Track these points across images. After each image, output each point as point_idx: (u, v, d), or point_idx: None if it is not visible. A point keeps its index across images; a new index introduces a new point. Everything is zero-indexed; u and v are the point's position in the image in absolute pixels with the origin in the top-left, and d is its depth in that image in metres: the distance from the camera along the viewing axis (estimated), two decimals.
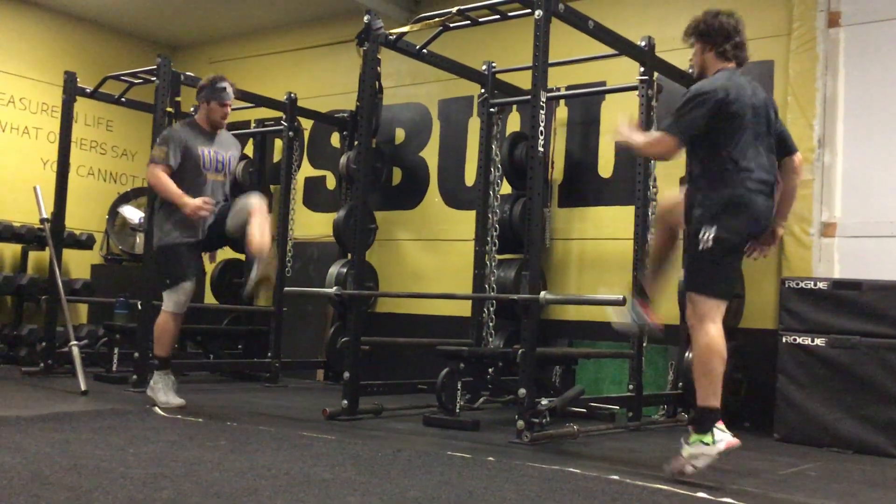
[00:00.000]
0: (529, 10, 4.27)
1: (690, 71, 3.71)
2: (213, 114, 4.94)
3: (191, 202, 4.64)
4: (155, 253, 5.02)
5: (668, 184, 5.40)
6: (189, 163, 4.83)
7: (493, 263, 5.99)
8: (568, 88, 6.18)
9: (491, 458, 3.47)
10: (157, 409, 4.55)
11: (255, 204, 4.58)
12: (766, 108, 3.48)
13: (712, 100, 3.33)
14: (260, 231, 4.51)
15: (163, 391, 4.75)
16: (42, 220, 6.19)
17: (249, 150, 7.74)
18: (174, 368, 4.93)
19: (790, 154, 3.60)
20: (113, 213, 8.04)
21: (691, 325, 3.39)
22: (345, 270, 6.43)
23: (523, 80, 5.56)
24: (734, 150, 3.34)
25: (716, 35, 3.50)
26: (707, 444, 3.17)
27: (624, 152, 3.02)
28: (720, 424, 3.20)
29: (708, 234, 3.30)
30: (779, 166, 3.54)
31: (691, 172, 3.51)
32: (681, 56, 5.63)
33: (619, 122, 3.56)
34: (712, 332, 3.28)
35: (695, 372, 3.34)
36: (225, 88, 4.93)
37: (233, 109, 6.87)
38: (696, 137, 3.38)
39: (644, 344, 5.00)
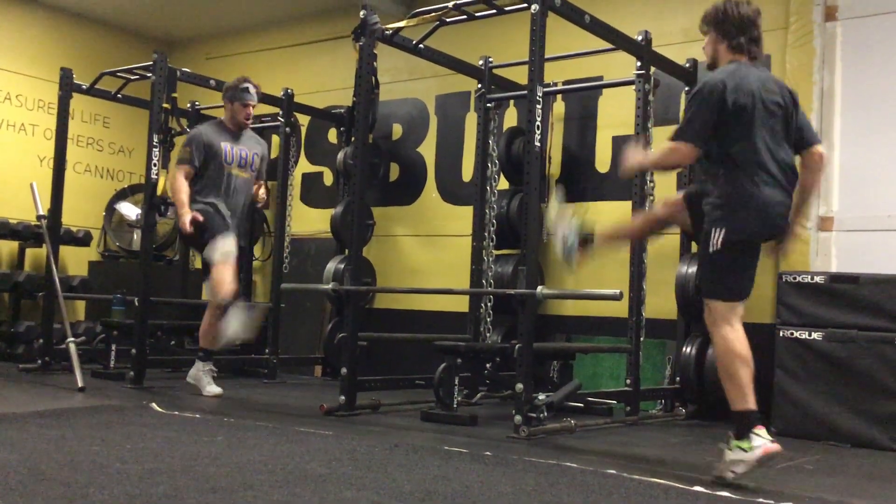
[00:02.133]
0: (526, 5, 4.25)
1: (706, 61, 3.54)
2: (237, 114, 5.35)
3: (185, 216, 5.04)
4: None
5: (665, 179, 5.41)
6: (212, 158, 5.22)
7: (491, 259, 5.99)
8: (565, 83, 6.16)
9: (488, 453, 3.47)
10: (153, 405, 4.56)
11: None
12: (781, 99, 3.30)
13: (716, 94, 3.19)
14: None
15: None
16: (39, 217, 6.18)
17: None
18: (169, 365, 4.95)
19: (810, 145, 3.41)
20: (110, 209, 8.04)
21: (709, 330, 3.28)
22: (342, 266, 6.43)
23: (520, 75, 5.54)
24: (740, 145, 3.20)
25: (731, 26, 3.33)
26: (745, 451, 3.02)
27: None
28: (759, 429, 3.04)
29: (718, 236, 3.20)
30: (800, 159, 3.40)
31: (701, 171, 3.40)
32: (678, 50, 5.64)
33: (625, 156, 3.45)
34: (729, 334, 3.16)
35: (721, 377, 3.20)
36: (247, 89, 5.34)
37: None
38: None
39: (641, 338, 5.01)
